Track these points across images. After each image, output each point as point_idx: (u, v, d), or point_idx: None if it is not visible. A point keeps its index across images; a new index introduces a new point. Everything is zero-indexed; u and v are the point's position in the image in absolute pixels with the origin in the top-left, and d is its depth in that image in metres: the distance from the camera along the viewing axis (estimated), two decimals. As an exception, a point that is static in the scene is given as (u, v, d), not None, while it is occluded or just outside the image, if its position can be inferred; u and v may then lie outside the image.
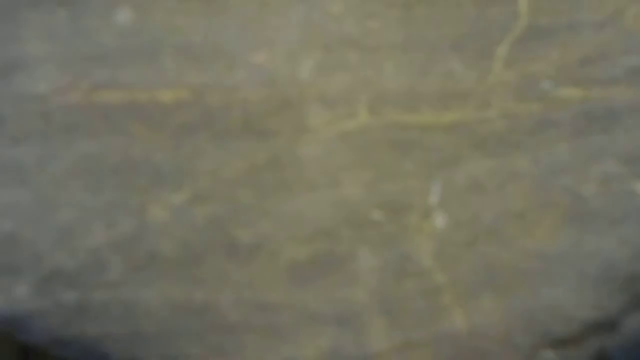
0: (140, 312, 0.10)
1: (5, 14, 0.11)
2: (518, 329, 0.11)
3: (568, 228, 0.11)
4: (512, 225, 0.11)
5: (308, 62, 0.11)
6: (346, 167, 0.11)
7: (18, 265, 0.10)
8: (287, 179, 0.11)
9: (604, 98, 0.12)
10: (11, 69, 0.11)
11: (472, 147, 0.11)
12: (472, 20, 0.12)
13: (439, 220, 0.11)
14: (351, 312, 0.11)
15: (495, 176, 0.11)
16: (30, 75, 0.11)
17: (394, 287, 0.11)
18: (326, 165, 0.11)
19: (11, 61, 0.11)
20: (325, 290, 0.11)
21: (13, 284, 0.11)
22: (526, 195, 0.11)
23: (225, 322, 0.10)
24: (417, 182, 0.11)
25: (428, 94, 0.11)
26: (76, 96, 0.11)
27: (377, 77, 0.11)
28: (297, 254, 0.11)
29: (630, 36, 0.12)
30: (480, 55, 0.12)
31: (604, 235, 0.11)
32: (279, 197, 0.11)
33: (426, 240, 0.11)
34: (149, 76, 0.11)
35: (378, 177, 0.11)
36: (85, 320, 0.10)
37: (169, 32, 0.11)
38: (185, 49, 0.11)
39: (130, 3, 0.11)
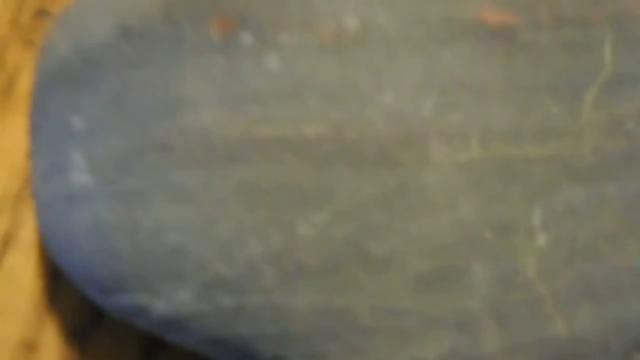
0: (288, 315, 0.12)
1: (172, 60, 0.13)
2: (612, 335, 0.12)
3: (654, 248, 0.13)
4: (605, 244, 0.13)
5: (428, 102, 0.13)
6: (462, 193, 0.13)
7: (183, 273, 0.12)
8: (413, 203, 0.12)
9: (682, 136, 0.13)
10: (178, 106, 0.13)
11: (568, 177, 0.13)
12: (564, 68, 0.14)
13: (541, 240, 0.13)
14: (468, 318, 0.12)
15: (588, 202, 0.13)
16: (195, 112, 0.13)
17: (503, 297, 0.12)
18: (445, 192, 0.13)
19: (178, 99, 0.13)
20: (446, 299, 0.12)
21: (178, 290, 0.12)
22: (616, 219, 0.13)
23: (359, 325, 0.12)
24: (522, 206, 0.13)
25: (529, 130, 0.13)
26: (235, 130, 0.13)
27: (486, 116, 0.13)
28: (421, 267, 0.12)
29: (703, 83, 0.14)
30: (572, 98, 0.13)
31: (686, 255, 0.13)
32: (405, 218, 0.12)
33: (530, 257, 0.13)
34: (296, 113, 0.13)
35: (489, 202, 0.13)
36: (240, 321, 0.12)
37: (311, 77, 0.13)
38: (325, 91, 0.13)
39: (277, 52, 0.13)
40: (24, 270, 0.18)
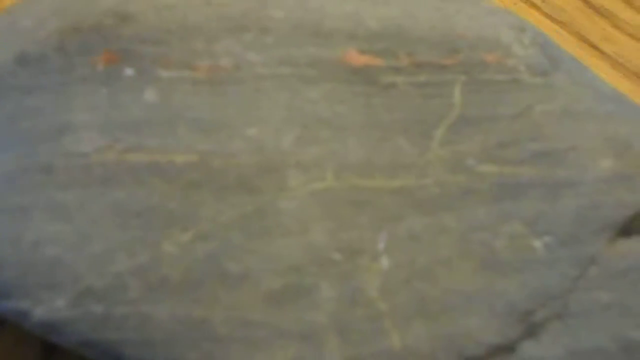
0: (152, 324, 0.13)
1: (62, 88, 0.14)
2: (440, 349, 0.14)
3: (482, 273, 0.14)
4: (440, 268, 0.14)
5: (289, 136, 0.14)
6: (315, 219, 0.14)
7: (59, 283, 0.13)
8: (269, 226, 0.14)
9: (513, 174, 0.15)
10: (62, 132, 0.14)
11: (412, 207, 0.15)
12: (418, 108, 0.15)
13: (384, 262, 0.14)
14: (313, 331, 0.14)
15: (428, 230, 0.14)
16: (77, 138, 0.14)
17: (347, 312, 0.14)
18: (299, 217, 0.14)
19: (63, 125, 0.14)
20: (294, 313, 0.14)
21: (54, 298, 0.13)
22: (452, 246, 0.14)
23: (216, 334, 0.13)
24: (369, 232, 0.14)
25: (381, 164, 0.15)
26: (111, 156, 0.14)
27: (342, 150, 0.15)
28: (273, 284, 0.14)
29: (537, 127, 0.15)
30: (422, 136, 0.15)
31: (509, 280, 0.14)
32: (261, 239, 0.14)
33: (373, 277, 0.14)
34: (167, 142, 0.14)
35: (339, 227, 0.14)
36: (108, 328, 0.13)
37: (184, 109, 0.14)
38: (195, 123, 0.14)
39: (155, 86, 0.14)
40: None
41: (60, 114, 0.14)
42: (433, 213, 0.14)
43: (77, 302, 0.13)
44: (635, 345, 0.13)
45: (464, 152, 0.15)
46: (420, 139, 0.15)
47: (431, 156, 0.15)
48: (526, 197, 0.15)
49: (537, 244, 0.14)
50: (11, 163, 0.14)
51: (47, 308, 0.14)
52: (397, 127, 0.15)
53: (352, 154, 0.15)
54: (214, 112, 0.14)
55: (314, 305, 0.14)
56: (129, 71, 0.14)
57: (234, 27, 0.15)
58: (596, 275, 0.14)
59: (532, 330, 0.14)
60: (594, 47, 0.29)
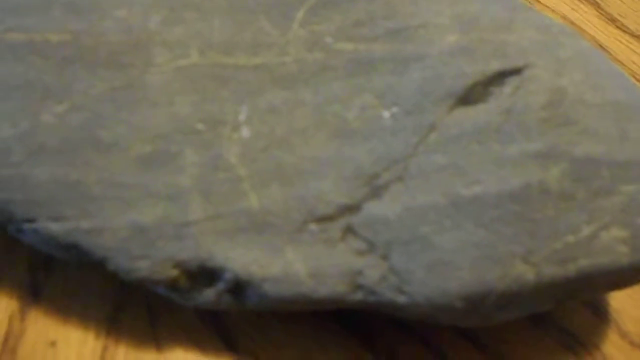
0: (33, 184, 0.15)
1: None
2: (294, 209, 0.15)
3: (335, 141, 0.16)
4: (296, 137, 0.16)
5: (156, 17, 0.16)
6: (180, 92, 0.15)
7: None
8: (137, 99, 0.15)
9: (367, 50, 0.16)
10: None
11: (272, 82, 0.16)
12: (281, -8, 0.16)
13: (245, 132, 0.16)
14: (178, 192, 0.15)
15: (286, 103, 0.16)
16: (-37, 20, 0.15)
17: (209, 176, 0.15)
18: (166, 90, 0.15)
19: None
20: (162, 176, 0.15)
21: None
22: (308, 117, 0.16)
23: (90, 194, 0.15)
24: (231, 105, 0.16)
25: (243, 43, 0.16)
26: (-7, 35, 0.15)
27: (207, 30, 0.16)
28: (142, 150, 0.15)
29: (391, 7, 0.16)
30: (284, 17, 0.16)
31: (358, 147, 0.15)
32: (130, 110, 0.15)
33: (235, 145, 0.16)
34: (43, 23, 0.15)
35: (202, 100, 0.16)
36: (-4, 188, 0.15)
37: (60, -7, 0.16)
38: (69, 5, 0.15)
39: (33, -29, 0.16)
40: None
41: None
42: (291, 88, 0.16)
43: (-31, 166, 0.15)
44: (463, 201, 0.15)
45: (322, 31, 0.16)
46: (282, 20, 0.16)
47: (291, 36, 0.16)
48: (377, 71, 0.16)
49: (385, 114, 0.16)
50: None
51: (-55, 173, 0.15)
52: (260, 10, 0.16)
53: (216, 34, 0.16)
54: (87, -4, 0.16)
55: (179, 170, 0.15)
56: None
57: None
58: (435, 141, 0.15)
59: (376, 192, 0.15)
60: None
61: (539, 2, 0.27)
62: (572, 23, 0.27)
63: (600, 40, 0.27)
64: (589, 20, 0.27)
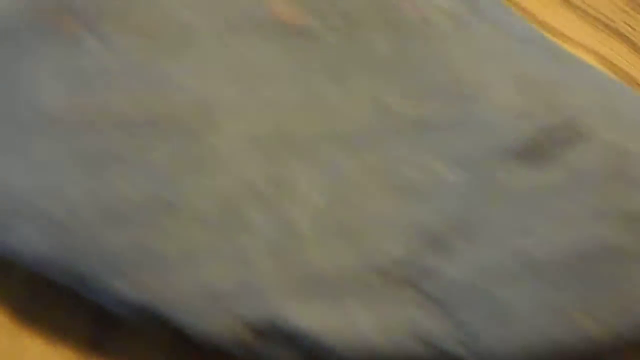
0: (106, 247, 0.15)
1: (12, 44, 0.16)
2: (359, 267, 0.16)
3: (399, 200, 0.16)
4: (362, 197, 0.16)
5: (223, 84, 0.16)
6: (250, 157, 0.16)
7: (20, 210, 0.16)
8: (207, 164, 0.16)
9: (429, 112, 0.16)
10: (15, 84, 0.16)
11: (337, 145, 0.16)
12: (343, 55, 0.17)
13: (312, 194, 0.16)
14: (249, 253, 0.16)
15: (352, 165, 0.16)
16: (32, 89, 0.16)
17: (278, 238, 0.16)
18: (236, 155, 0.16)
19: (16, 78, 0.16)
20: (232, 238, 0.16)
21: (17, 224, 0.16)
22: (372, 178, 0.16)
23: (162, 257, 0.15)
24: (297, 168, 0.16)
25: (310, 110, 0.16)
26: (62, 103, 0.16)
27: (274, 97, 0.16)
28: (212, 214, 0.16)
29: (450, 68, 0.16)
30: (348, 82, 0.16)
31: (422, 205, 0.16)
32: (201, 175, 0.16)
33: (302, 207, 0.16)
34: (116, 93, 0.16)
35: (272, 164, 0.16)
36: (67, 254, 0.15)
37: (129, 63, 0.16)
38: (140, 75, 0.16)
39: (102, 40, 0.16)
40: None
41: (13, 65, 0.16)
42: (356, 150, 0.16)
43: (38, 228, 0.16)
44: (529, 258, 0.15)
45: (385, 94, 0.16)
46: (346, 85, 0.16)
47: (356, 100, 0.16)
48: (439, 132, 0.16)
49: (448, 173, 0.16)
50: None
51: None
52: (325, 75, 0.16)
53: (281, 100, 0.16)
54: (154, 64, 0.16)
55: (249, 232, 0.16)
56: (77, 26, 0.16)
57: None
58: (498, 199, 0.16)
59: (441, 249, 0.16)
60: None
61: (571, 39, 0.28)
62: (603, 58, 0.28)
63: (632, 75, 0.27)
64: (620, 55, 0.28)
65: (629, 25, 0.28)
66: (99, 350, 0.17)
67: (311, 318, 0.15)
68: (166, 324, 0.15)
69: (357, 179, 0.16)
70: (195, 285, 0.15)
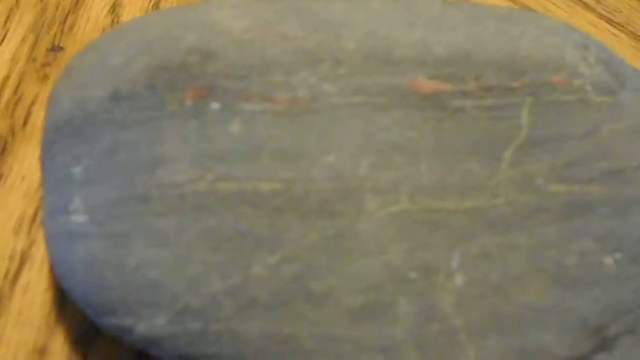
0: (243, 340, 0.14)
1: (153, 122, 0.16)
2: (514, 361, 0.15)
3: (554, 289, 0.15)
4: (512, 284, 0.15)
5: (365, 162, 0.15)
6: (391, 240, 0.15)
7: (159, 302, 0.15)
8: (349, 247, 0.15)
9: (583, 192, 0.15)
10: (156, 162, 0.15)
11: (484, 226, 0.15)
12: (486, 131, 0.16)
13: (458, 280, 0.15)
14: (393, 345, 0.15)
15: (500, 248, 0.15)
16: (170, 168, 0.15)
17: (424, 327, 0.15)
18: (377, 238, 0.15)
19: (157, 157, 0.15)
20: (375, 328, 0.15)
21: (155, 315, 0.15)
22: (523, 263, 0.15)
23: (302, 349, 0.15)
24: (443, 251, 0.15)
25: (452, 186, 0.15)
26: (203, 185, 0.15)
27: (415, 173, 0.15)
28: (354, 302, 0.15)
29: (605, 146, 0.15)
30: (492, 157, 0.16)
31: (580, 295, 0.15)
32: (342, 260, 0.15)
33: (449, 294, 0.15)
34: (253, 171, 0.15)
35: (414, 247, 0.15)
36: (204, 343, 0.15)
37: (267, 139, 0.15)
38: (278, 152, 0.15)
39: (239, 118, 0.15)
40: (37, 284, 0.20)
41: (154, 146, 0.15)
42: (504, 232, 0.15)
43: (176, 319, 0.15)
44: None
45: (533, 172, 0.15)
46: (490, 161, 0.15)
47: (501, 177, 0.15)
48: (595, 214, 0.15)
49: (608, 260, 0.15)
50: (111, 193, 0.16)
51: (148, 324, 0.15)
52: (467, 150, 0.15)
53: (424, 177, 0.15)
54: (294, 142, 0.15)
55: (393, 321, 0.15)
56: (214, 105, 0.15)
57: (309, 60, 0.16)
58: (668, 291, 0.15)
59: (604, 345, 0.14)
60: (652, 47, 0.28)
61: None
62: None
63: None
64: None
65: None
66: None
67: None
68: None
69: (504, 260, 0.15)
70: (333, 376, 0.14)
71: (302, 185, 0.15)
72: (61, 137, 0.17)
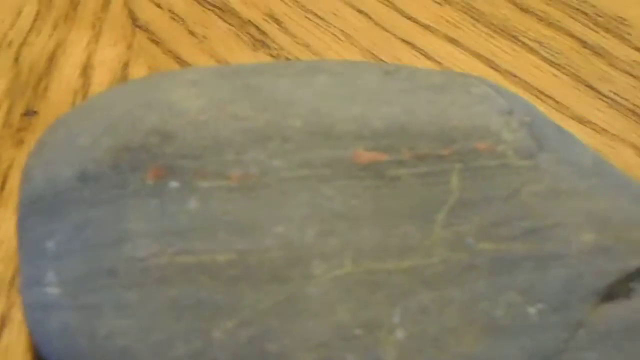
0: (206, 399, 0.16)
1: (117, 200, 0.17)
2: (452, 407, 0.16)
3: (485, 338, 0.17)
4: (448, 336, 0.16)
5: (311, 230, 0.17)
6: (337, 301, 0.16)
7: (128, 368, 0.16)
8: (300, 310, 0.16)
9: (507, 250, 0.17)
10: (121, 240, 0.17)
11: (421, 284, 0.17)
12: (421, 196, 0.17)
13: (399, 334, 0.17)
14: (342, 396, 0.16)
15: (436, 303, 0.17)
16: (134, 244, 0.17)
17: (370, 379, 0.16)
18: (325, 300, 0.16)
19: (121, 233, 0.17)
20: (325, 382, 0.16)
21: (124, 380, 0.16)
22: (457, 315, 0.17)
23: (261, 405, 0.16)
24: (385, 308, 0.17)
25: (391, 248, 0.17)
26: (164, 259, 0.16)
27: (357, 238, 0.17)
28: (307, 359, 0.16)
29: (525, 207, 0.17)
30: (426, 220, 0.17)
31: (508, 344, 0.16)
32: (294, 322, 0.16)
33: (391, 348, 0.16)
34: (210, 245, 0.17)
35: (358, 306, 0.17)
36: (170, 403, 0.16)
37: (222, 214, 0.17)
38: (232, 225, 0.17)
39: (196, 195, 0.17)
40: (17, 346, 0.22)
41: (119, 224, 0.17)
42: (439, 288, 0.17)
43: (144, 383, 0.16)
44: (621, 398, 0.16)
45: (463, 232, 0.17)
46: (424, 223, 0.17)
47: (435, 238, 0.17)
48: (519, 269, 0.17)
49: (532, 310, 0.17)
50: (82, 267, 0.17)
51: (119, 388, 0.16)
52: (404, 214, 0.17)
53: (366, 242, 0.17)
54: (247, 215, 0.17)
55: (342, 375, 0.16)
56: (173, 184, 0.17)
57: (259, 138, 0.17)
58: (584, 337, 0.16)
59: (531, 388, 0.16)
60: (590, 87, 0.31)
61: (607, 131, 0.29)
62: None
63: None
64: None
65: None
66: None
67: None
68: None
69: (440, 314, 0.17)
70: None
71: (256, 255, 0.17)
72: (34, 212, 0.19)
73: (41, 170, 0.19)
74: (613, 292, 0.17)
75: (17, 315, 0.22)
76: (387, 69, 0.20)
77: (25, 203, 0.19)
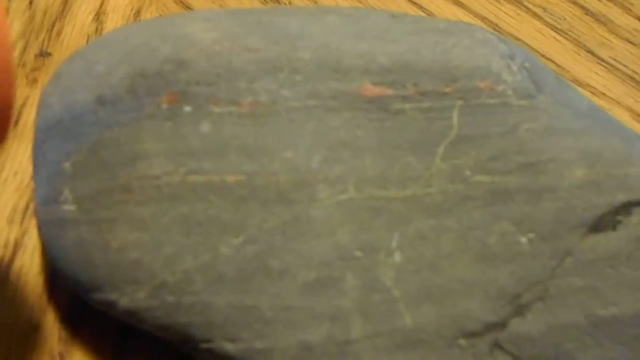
0: (212, 311, 0.17)
1: (133, 123, 0.18)
2: (445, 326, 0.17)
3: (478, 264, 0.17)
4: (443, 261, 0.17)
5: (317, 157, 0.18)
6: (340, 224, 0.17)
7: (139, 279, 0.17)
8: (303, 231, 0.17)
9: (503, 182, 0.18)
10: (136, 159, 0.18)
11: (420, 212, 0.18)
12: (423, 130, 0.18)
13: (397, 257, 0.17)
14: (341, 313, 0.17)
15: (433, 230, 0.18)
16: (149, 163, 0.17)
17: (368, 298, 0.17)
18: (327, 222, 0.17)
19: (136, 154, 0.18)
20: (325, 299, 0.17)
21: (136, 291, 0.17)
22: (452, 242, 0.18)
23: (263, 317, 0.17)
24: (384, 233, 0.17)
25: (393, 177, 0.18)
26: (177, 177, 0.17)
27: (361, 167, 0.18)
28: (308, 276, 0.17)
29: (522, 143, 0.18)
30: (427, 153, 0.18)
31: (499, 269, 0.17)
32: (297, 241, 0.17)
33: (389, 269, 0.17)
34: (220, 166, 0.17)
35: (359, 230, 0.17)
36: (179, 314, 0.17)
37: (232, 138, 0.18)
38: (242, 149, 0.17)
39: (209, 120, 0.18)
40: (29, 269, 0.23)
41: (134, 144, 0.18)
42: (437, 216, 0.18)
43: (154, 294, 0.17)
44: (601, 320, 0.16)
45: (462, 165, 0.18)
46: (425, 155, 0.18)
47: (434, 169, 0.18)
48: (513, 201, 0.18)
49: (523, 239, 0.17)
50: (98, 185, 0.18)
51: (130, 299, 0.17)
52: (406, 146, 0.18)
53: (369, 170, 0.18)
54: (256, 140, 0.18)
55: (341, 293, 0.17)
56: (187, 108, 0.18)
57: (270, 69, 0.18)
58: (571, 265, 0.17)
59: (519, 310, 0.17)
60: (591, 52, 0.31)
61: (604, 94, 0.29)
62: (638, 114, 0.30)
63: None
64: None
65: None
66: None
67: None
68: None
69: (436, 240, 0.17)
70: (289, 341, 0.17)
71: (263, 177, 0.17)
72: (52, 136, 0.19)
73: (59, 97, 0.20)
74: (600, 224, 0.17)
75: (30, 241, 0.23)
76: (394, 14, 0.21)
77: (43, 128, 0.20)
